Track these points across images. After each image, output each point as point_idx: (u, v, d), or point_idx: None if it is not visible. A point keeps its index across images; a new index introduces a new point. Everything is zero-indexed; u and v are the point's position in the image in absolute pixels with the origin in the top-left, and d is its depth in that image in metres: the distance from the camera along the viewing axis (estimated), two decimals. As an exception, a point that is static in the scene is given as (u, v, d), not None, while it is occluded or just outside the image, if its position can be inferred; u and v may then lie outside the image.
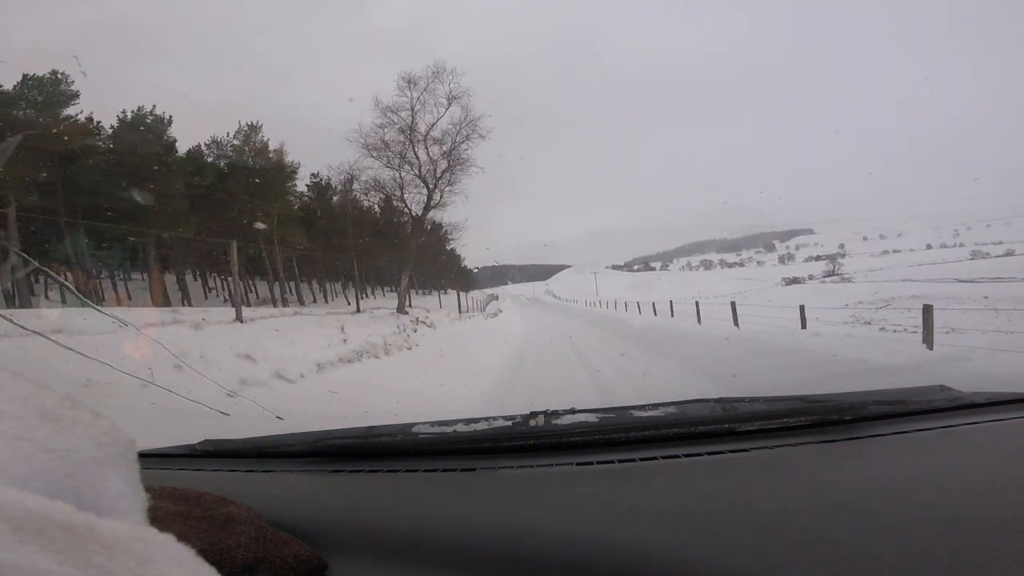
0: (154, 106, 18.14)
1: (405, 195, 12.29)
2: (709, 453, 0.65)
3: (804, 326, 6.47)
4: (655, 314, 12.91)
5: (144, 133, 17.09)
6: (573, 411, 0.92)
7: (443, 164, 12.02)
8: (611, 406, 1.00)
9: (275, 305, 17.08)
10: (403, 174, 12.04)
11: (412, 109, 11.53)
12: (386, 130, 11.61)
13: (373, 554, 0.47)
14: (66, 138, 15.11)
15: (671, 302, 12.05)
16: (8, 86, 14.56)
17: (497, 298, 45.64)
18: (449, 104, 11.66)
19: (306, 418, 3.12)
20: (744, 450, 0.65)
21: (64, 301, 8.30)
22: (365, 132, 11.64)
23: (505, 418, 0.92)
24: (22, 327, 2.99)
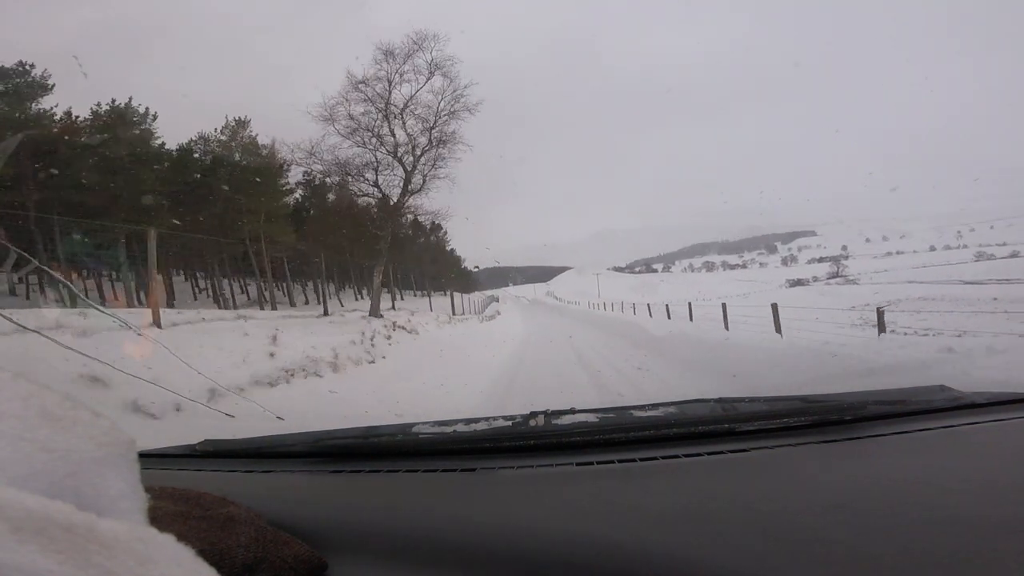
0: (130, 98, 17.41)
1: (380, 179, 10.50)
2: (709, 453, 0.65)
3: (883, 330, 5.38)
4: (669, 317, 11.50)
5: (120, 127, 16.34)
6: (573, 411, 0.92)
7: (423, 141, 10.24)
8: (611, 406, 1.00)
9: (261, 307, 16.19)
10: (377, 154, 10.25)
11: (389, 82, 9.70)
12: (354, 103, 9.73)
13: (373, 554, 0.47)
14: (66, 137, 14.95)
15: (689, 304, 10.67)
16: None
17: (497, 300, 44.71)
18: (431, 74, 9.73)
19: (306, 418, 3.11)
20: (744, 450, 0.65)
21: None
22: (331, 105, 9.68)
23: (505, 418, 0.92)
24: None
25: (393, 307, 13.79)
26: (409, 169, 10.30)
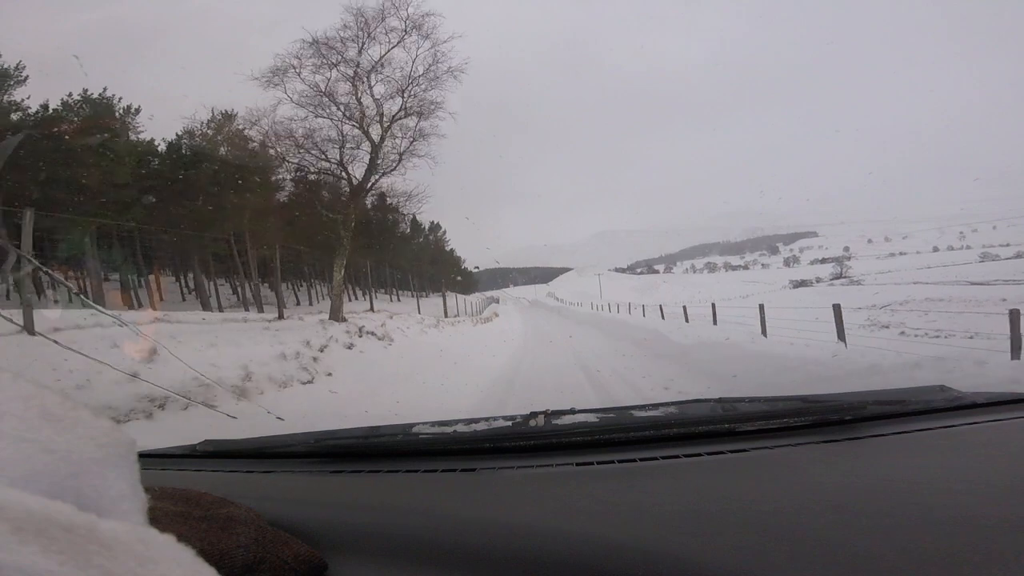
0: (104, 88, 16.29)
1: (344, 156, 8.53)
2: (709, 453, 0.65)
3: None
4: (687, 320, 9.98)
5: (91, 117, 15.25)
6: (573, 411, 0.92)
7: (395, 110, 8.40)
8: (611, 406, 1.00)
9: (246, 308, 15.28)
10: (341, 126, 8.36)
11: (360, 45, 7.92)
12: (313, 66, 7.88)
13: (373, 554, 0.47)
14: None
15: (713, 305, 9.16)
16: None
17: (497, 301, 44.22)
18: (406, 32, 7.99)
19: (306, 418, 3.11)
20: (744, 450, 0.65)
21: None
22: (283, 68, 7.84)
23: (505, 418, 0.92)
24: None
25: (372, 308, 12.38)
26: (377, 142, 8.35)
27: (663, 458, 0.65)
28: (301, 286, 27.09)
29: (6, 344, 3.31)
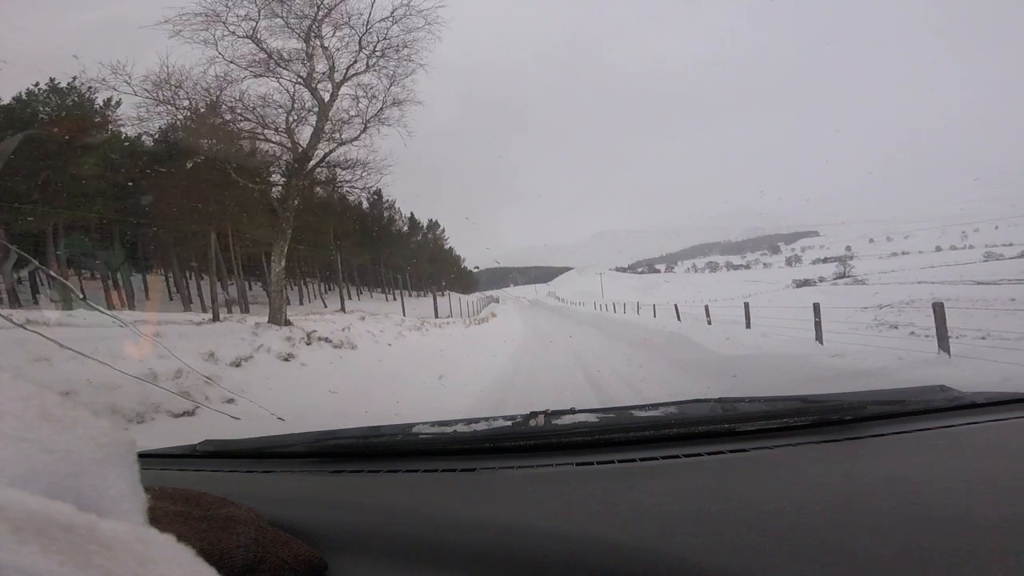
0: (75, 78, 14.84)
1: (286, 122, 6.67)
2: (709, 453, 0.65)
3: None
4: (709, 322, 8.65)
5: (58, 107, 14.48)
6: (573, 411, 0.92)
7: (348, 59, 6.66)
8: (611, 406, 1.00)
9: (229, 310, 14.17)
10: (283, 83, 6.59)
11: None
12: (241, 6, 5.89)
13: (373, 554, 0.47)
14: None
15: (746, 304, 7.53)
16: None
17: (497, 301, 43.33)
18: None
19: (306, 418, 3.10)
20: (744, 450, 0.65)
21: None
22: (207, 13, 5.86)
23: (505, 418, 0.92)
24: None
25: (343, 308, 10.67)
26: (326, 101, 6.70)
27: (663, 458, 0.65)
28: (297, 284, 26.08)
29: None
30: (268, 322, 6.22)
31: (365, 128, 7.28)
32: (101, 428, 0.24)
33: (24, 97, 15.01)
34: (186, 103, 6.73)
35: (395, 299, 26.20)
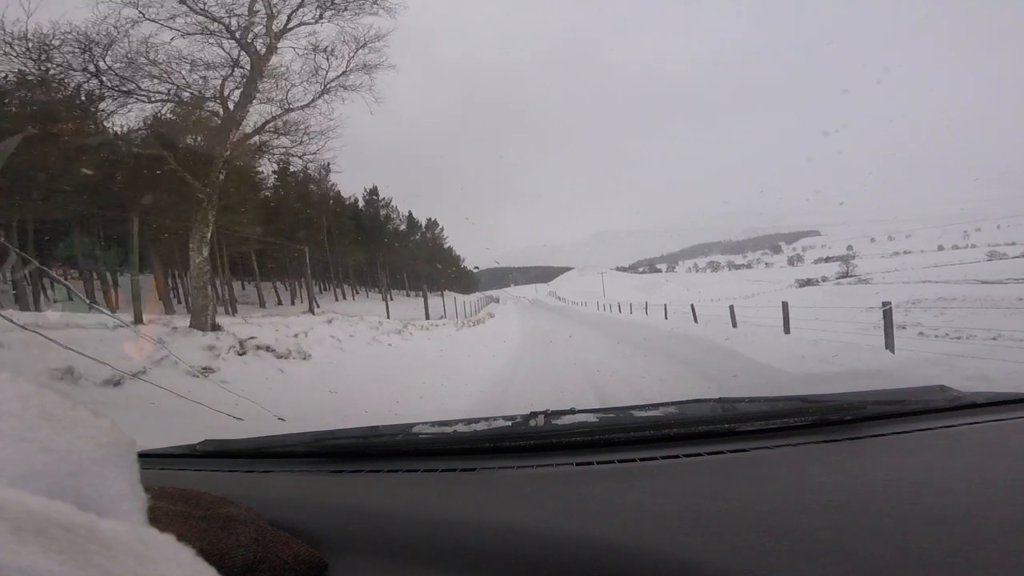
0: (47, 69, 14.90)
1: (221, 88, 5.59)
2: (709, 453, 0.65)
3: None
4: (734, 324, 7.48)
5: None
6: (573, 411, 0.92)
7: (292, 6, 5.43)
8: (611, 406, 1.00)
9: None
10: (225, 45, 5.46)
11: None
12: None
13: (373, 554, 0.47)
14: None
15: (785, 304, 6.10)
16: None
17: (497, 300, 42.51)
18: None
19: (306, 418, 3.09)
20: (744, 450, 0.65)
21: None
22: None
23: (505, 418, 0.92)
24: None
25: (311, 309, 9.73)
26: (260, 53, 5.48)
27: (663, 458, 0.65)
28: (291, 283, 24.95)
29: None
30: (189, 326, 5.06)
31: (324, 92, 6.02)
32: (101, 428, 0.24)
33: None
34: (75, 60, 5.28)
35: (392, 299, 25.43)
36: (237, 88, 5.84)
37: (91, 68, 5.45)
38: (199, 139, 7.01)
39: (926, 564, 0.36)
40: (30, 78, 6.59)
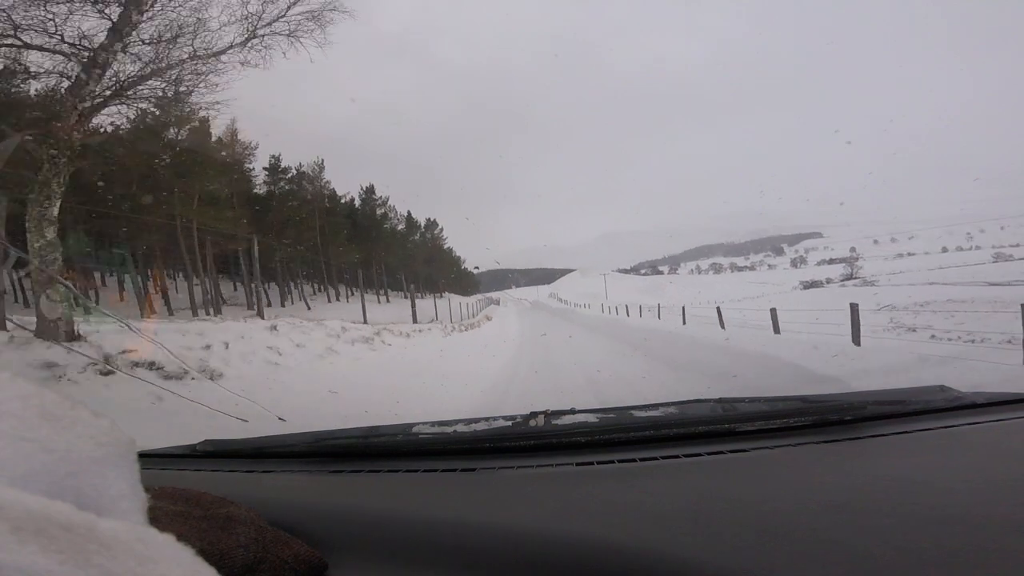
0: None
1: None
2: (709, 453, 0.65)
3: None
4: (777, 331, 6.54)
5: None
6: (573, 411, 0.92)
7: None
8: (611, 406, 1.00)
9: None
10: None
11: None
12: None
13: (373, 554, 0.47)
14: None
15: (854, 307, 5.26)
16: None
17: (498, 303, 41.67)
18: None
19: (307, 419, 3.08)
20: (744, 450, 0.65)
21: None
22: None
23: (505, 418, 0.92)
24: None
25: (260, 312, 8.94)
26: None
27: (663, 458, 0.65)
28: (285, 283, 24.02)
29: None
30: (35, 334, 3.81)
31: (250, 38, 4.71)
32: (101, 427, 0.24)
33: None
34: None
35: (388, 301, 24.73)
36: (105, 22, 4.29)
37: None
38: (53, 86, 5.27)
39: (926, 564, 0.36)
40: None
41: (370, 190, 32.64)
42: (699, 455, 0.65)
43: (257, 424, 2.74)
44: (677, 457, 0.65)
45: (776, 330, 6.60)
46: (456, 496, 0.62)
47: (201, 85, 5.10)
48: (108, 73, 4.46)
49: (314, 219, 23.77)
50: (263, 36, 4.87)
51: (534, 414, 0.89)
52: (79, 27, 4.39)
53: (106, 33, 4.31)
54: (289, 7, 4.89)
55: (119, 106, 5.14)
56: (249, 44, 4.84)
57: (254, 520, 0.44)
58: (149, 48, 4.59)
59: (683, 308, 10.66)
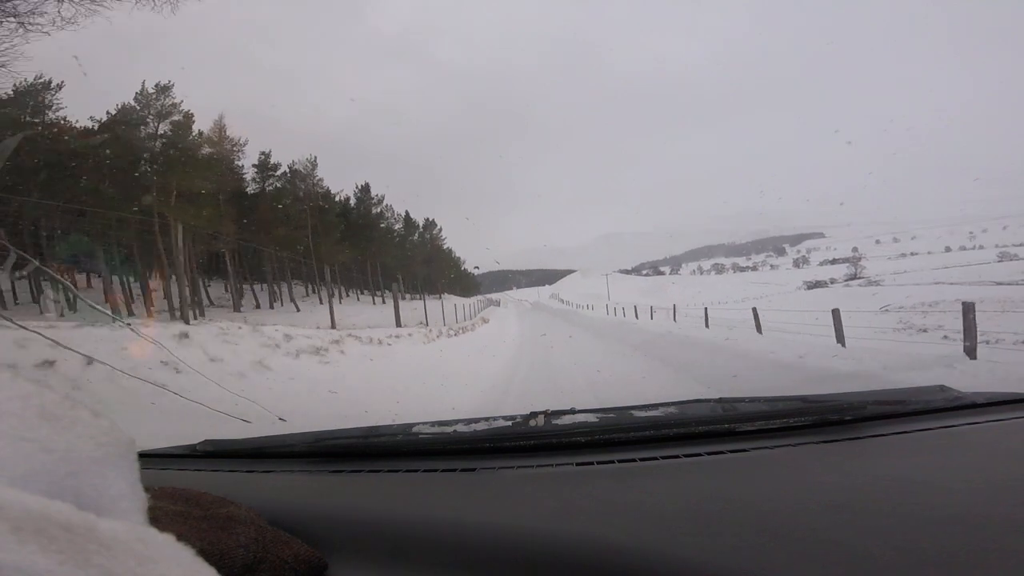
0: None
1: None
2: (709, 453, 0.65)
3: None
4: (841, 342, 5.26)
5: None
6: (573, 411, 0.92)
7: None
8: (611, 406, 1.00)
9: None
10: None
11: None
12: None
13: (373, 554, 0.47)
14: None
15: (973, 309, 4.00)
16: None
17: (498, 304, 41.03)
18: None
19: (307, 418, 3.06)
20: (744, 450, 0.65)
21: None
22: None
23: (505, 418, 0.92)
24: None
25: (184, 316, 5.75)
26: None
27: (663, 458, 0.65)
28: (276, 285, 23.01)
29: None
30: None
31: None
32: (101, 427, 0.24)
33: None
34: None
35: (383, 302, 23.37)
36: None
37: None
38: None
39: (926, 564, 0.36)
40: None
41: (365, 188, 32.05)
42: (699, 455, 0.65)
43: (226, 426, 2.62)
44: (677, 457, 0.65)
45: (841, 339, 5.46)
46: (456, 496, 0.62)
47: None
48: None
49: (305, 217, 23.18)
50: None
51: (534, 414, 0.89)
52: None
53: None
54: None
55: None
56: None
57: (254, 520, 0.44)
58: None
59: (705, 310, 9.40)
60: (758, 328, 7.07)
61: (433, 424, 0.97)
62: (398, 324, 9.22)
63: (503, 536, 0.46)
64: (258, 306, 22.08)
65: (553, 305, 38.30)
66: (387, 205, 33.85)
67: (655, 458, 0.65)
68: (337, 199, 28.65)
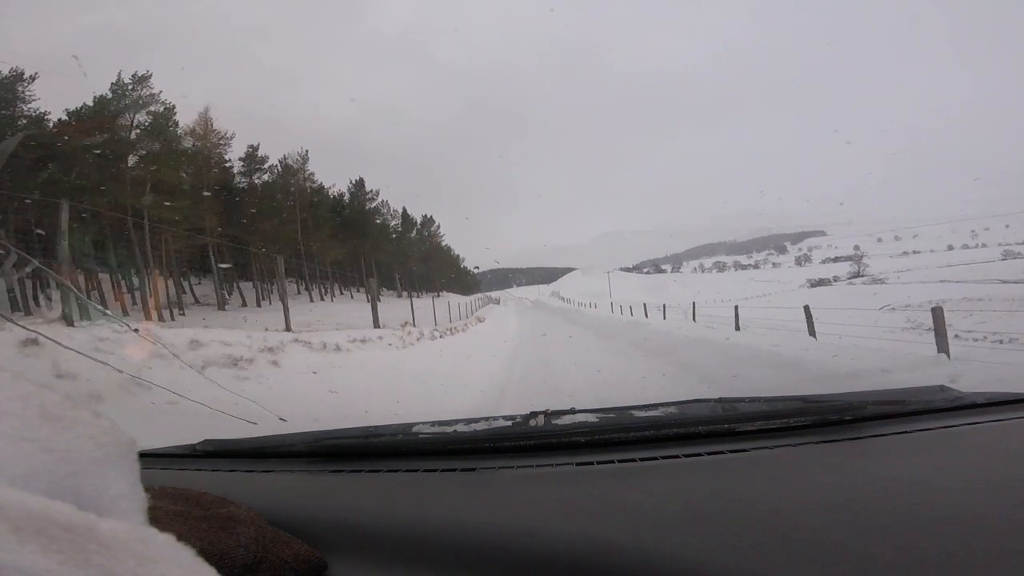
0: None
1: None
2: (709, 453, 0.65)
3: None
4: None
5: None
6: (573, 411, 0.92)
7: None
8: (611, 406, 1.00)
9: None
10: None
11: None
12: None
13: (373, 554, 0.47)
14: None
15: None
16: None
17: (498, 302, 40.58)
18: None
19: (306, 418, 3.06)
20: (744, 450, 0.65)
21: None
22: None
23: (505, 418, 0.92)
24: None
25: (75, 320, 4.39)
26: None
27: (663, 458, 0.65)
28: (258, 283, 22.02)
29: None
30: None
31: None
32: (101, 427, 0.25)
33: None
34: None
35: (380, 300, 23.29)
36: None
37: None
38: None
39: (926, 564, 0.36)
40: None
41: (360, 184, 31.24)
42: (699, 455, 0.65)
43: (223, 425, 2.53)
44: (677, 457, 0.65)
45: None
46: (456, 496, 0.62)
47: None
48: None
49: (294, 212, 22.59)
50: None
51: (534, 414, 0.89)
52: None
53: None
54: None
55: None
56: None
57: (254, 520, 0.44)
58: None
59: (736, 308, 7.91)
60: (811, 331, 5.78)
61: (433, 424, 0.97)
62: (376, 325, 8.10)
63: (503, 536, 0.46)
64: (244, 304, 21.33)
65: (554, 303, 37.58)
66: (383, 201, 33.19)
67: (655, 458, 0.65)
68: (330, 193, 28.01)
